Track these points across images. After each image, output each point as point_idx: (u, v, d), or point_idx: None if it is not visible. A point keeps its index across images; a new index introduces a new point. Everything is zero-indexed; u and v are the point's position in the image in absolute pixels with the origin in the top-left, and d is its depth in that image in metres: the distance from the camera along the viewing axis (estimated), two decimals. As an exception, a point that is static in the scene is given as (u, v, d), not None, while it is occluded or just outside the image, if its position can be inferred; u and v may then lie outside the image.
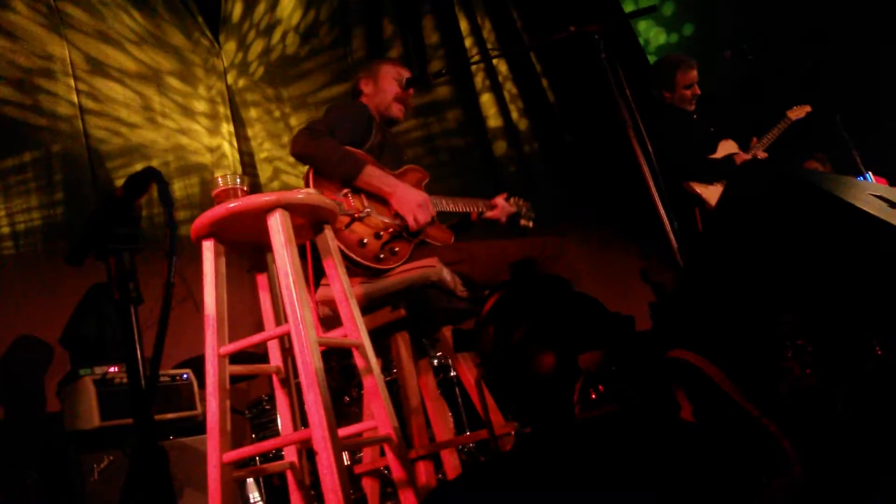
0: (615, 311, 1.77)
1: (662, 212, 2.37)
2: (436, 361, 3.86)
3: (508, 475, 0.85)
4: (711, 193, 3.98)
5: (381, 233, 2.42)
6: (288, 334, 1.84)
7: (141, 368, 0.84)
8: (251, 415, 3.95)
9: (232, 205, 1.84)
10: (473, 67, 6.11)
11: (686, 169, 3.88)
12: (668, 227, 2.33)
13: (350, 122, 2.61)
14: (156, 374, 0.83)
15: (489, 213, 2.89)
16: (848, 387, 1.15)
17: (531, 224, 3.07)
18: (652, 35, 6.68)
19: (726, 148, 4.16)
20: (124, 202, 0.87)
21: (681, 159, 3.81)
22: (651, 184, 2.40)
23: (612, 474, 0.79)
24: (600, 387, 1.16)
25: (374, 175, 2.45)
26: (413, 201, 2.47)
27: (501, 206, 2.92)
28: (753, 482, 0.85)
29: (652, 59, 6.54)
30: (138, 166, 4.63)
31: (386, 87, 2.85)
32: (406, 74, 2.90)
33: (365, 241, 2.36)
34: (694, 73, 4.11)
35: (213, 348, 1.82)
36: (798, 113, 4.30)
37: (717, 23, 6.02)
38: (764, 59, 4.26)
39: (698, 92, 4.13)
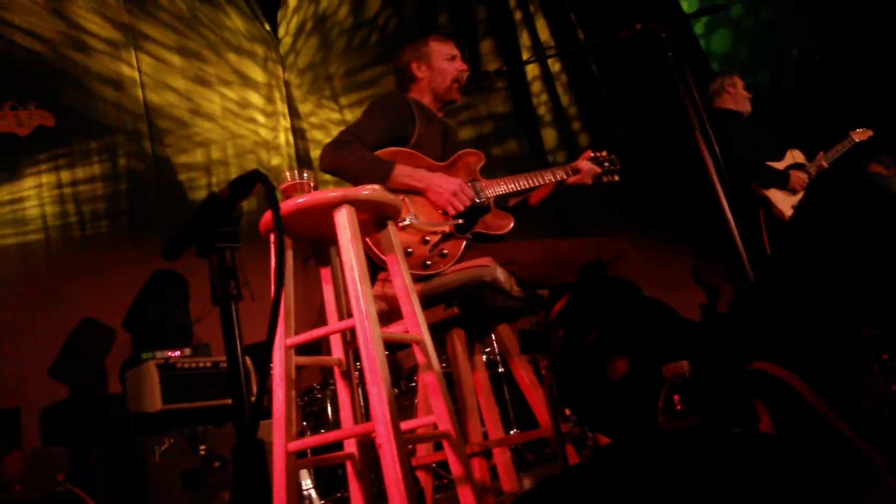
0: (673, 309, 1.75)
1: (728, 213, 2.32)
2: (484, 357, 3.87)
3: (595, 488, 0.85)
4: (777, 196, 4.08)
5: (428, 237, 2.39)
6: (351, 328, 1.86)
7: (241, 367, 0.86)
8: (303, 402, 4.03)
9: (300, 200, 1.87)
10: (528, 67, 6.12)
11: (749, 170, 4.00)
12: (736, 233, 2.29)
13: (382, 122, 2.54)
14: (264, 382, 0.86)
15: (573, 179, 2.71)
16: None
17: (616, 178, 2.83)
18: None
19: (793, 157, 4.30)
20: (228, 202, 0.90)
21: (745, 161, 3.92)
22: (718, 186, 2.35)
23: (705, 491, 0.79)
24: (675, 396, 1.15)
25: (403, 174, 2.41)
26: (446, 190, 2.43)
27: (587, 168, 2.72)
28: (842, 497, 0.84)
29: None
30: (199, 155, 4.74)
31: (441, 67, 2.74)
32: (456, 52, 2.79)
33: (410, 249, 2.34)
34: None
35: (281, 339, 1.86)
36: (861, 136, 4.45)
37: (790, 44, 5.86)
38: (830, 58, 4.27)
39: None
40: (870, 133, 4.48)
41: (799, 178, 4.11)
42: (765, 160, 4.19)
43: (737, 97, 4.40)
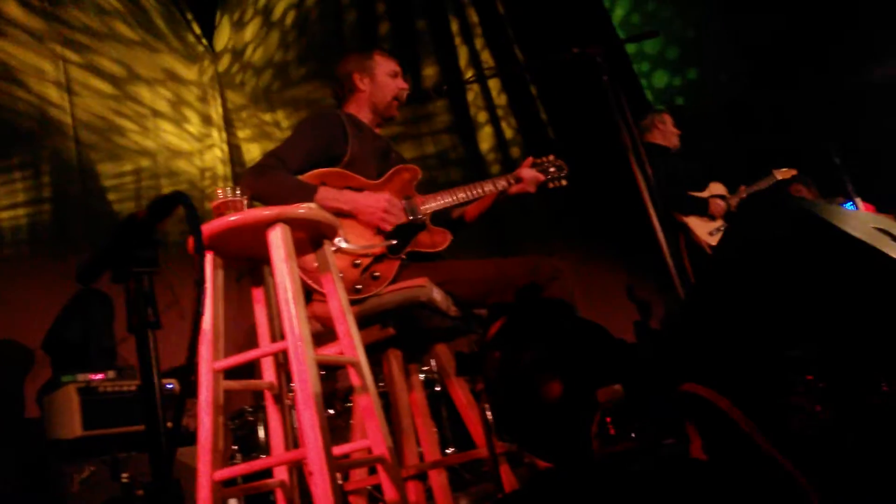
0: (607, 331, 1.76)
1: (660, 233, 2.38)
2: (422, 376, 3.84)
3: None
4: (695, 222, 4.40)
5: (359, 260, 2.35)
6: (284, 350, 1.81)
7: (158, 394, 0.81)
8: (234, 426, 3.90)
9: (232, 218, 1.81)
10: (467, 87, 6.19)
11: (669, 199, 4.25)
12: (665, 248, 2.34)
13: (309, 144, 2.48)
14: (181, 410, 0.81)
15: (515, 188, 2.65)
16: (857, 422, 1.15)
17: (564, 183, 2.75)
18: (656, 78, 6.80)
19: (715, 189, 4.61)
20: (146, 224, 0.85)
21: (667, 191, 4.19)
22: (649, 205, 2.40)
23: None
24: (607, 419, 1.15)
25: (328, 197, 2.35)
26: (377, 208, 2.39)
27: (529, 176, 2.66)
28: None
29: (649, 94, 6.70)
30: (127, 167, 4.58)
31: (384, 82, 2.69)
32: (398, 69, 2.75)
33: (340, 274, 2.30)
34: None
35: (208, 363, 1.79)
36: (784, 174, 4.76)
37: (719, 67, 6.14)
38: (758, 84, 4.51)
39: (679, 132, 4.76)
40: (793, 172, 4.78)
41: (718, 205, 4.43)
42: (688, 191, 4.47)
43: (665, 133, 4.73)
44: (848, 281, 1.30)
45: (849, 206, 4.38)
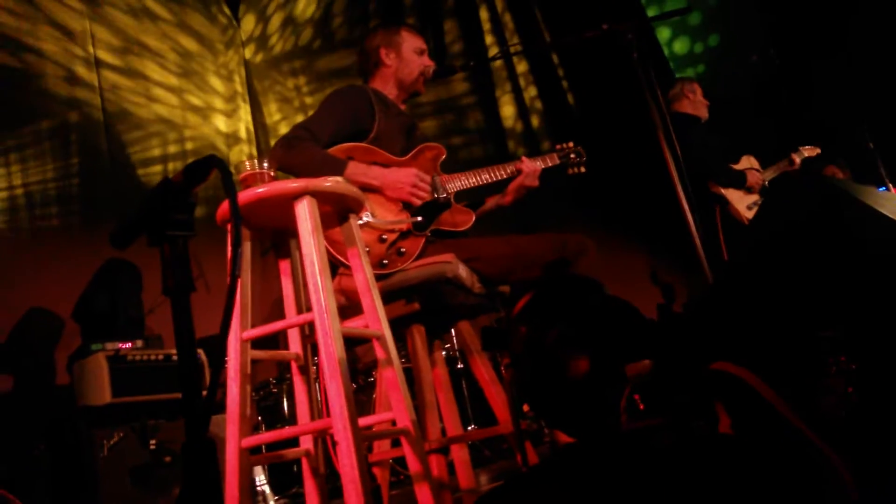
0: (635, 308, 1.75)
1: (689, 215, 2.35)
2: (444, 353, 3.86)
3: (557, 487, 0.84)
4: (733, 195, 4.26)
5: (386, 235, 2.36)
6: (310, 322, 1.83)
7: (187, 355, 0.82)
8: (258, 397, 3.96)
9: (260, 190, 1.82)
10: (492, 64, 6.14)
11: (708, 170, 4.14)
12: (695, 232, 2.31)
13: (338, 117, 2.48)
14: (217, 375, 0.82)
15: (514, 184, 2.65)
16: (889, 404, 1.14)
17: (583, 170, 2.76)
18: (677, 46, 6.69)
19: (748, 162, 4.49)
20: (183, 188, 0.85)
21: (705, 161, 4.06)
22: (679, 186, 2.37)
23: (666, 491, 0.78)
24: (636, 396, 1.15)
25: (357, 172, 2.36)
26: (405, 183, 2.39)
27: (528, 169, 2.64)
28: (800, 497, 0.84)
29: (683, 70, 6.60)
30: (154, 141, 4.62)
31: (410, 58, 2.70)
32: (424, 46, 2.75)
33: (367, 248, 2.31)
34: None
35: (236, 333, 1.81)
36: (810, 152, 4.64)
37: (742, 35, 6.02)
38: (789, 65, 4.40)
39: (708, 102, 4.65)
40: (818, 151, 4.66)
41: (755, 177, 4.28)
42: (723, 161, 4.35)
43: (695, 103, 4.57)
44: (881, 262, 1.28)
45: (881, 189, 4.31)
